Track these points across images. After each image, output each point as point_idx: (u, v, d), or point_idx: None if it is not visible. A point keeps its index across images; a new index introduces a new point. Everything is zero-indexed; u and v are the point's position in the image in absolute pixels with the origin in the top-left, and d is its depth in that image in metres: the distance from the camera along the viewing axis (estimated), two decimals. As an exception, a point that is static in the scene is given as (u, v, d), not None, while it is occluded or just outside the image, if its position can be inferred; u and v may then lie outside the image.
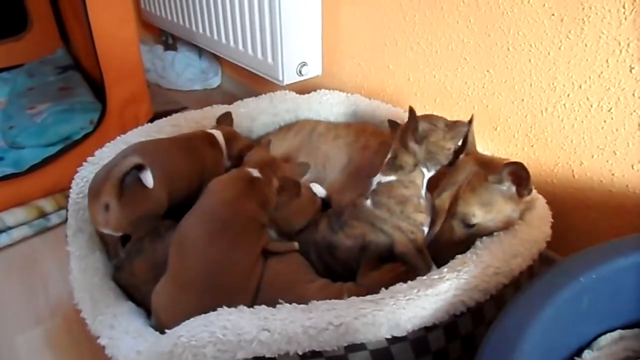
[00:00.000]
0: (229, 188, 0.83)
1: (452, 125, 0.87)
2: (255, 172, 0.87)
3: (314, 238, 0.88)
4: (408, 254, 0.82)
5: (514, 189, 0.80)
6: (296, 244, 0.85)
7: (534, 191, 0.91)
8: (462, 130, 0.86)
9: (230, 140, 1.06)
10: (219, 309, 0.65)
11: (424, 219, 0.84)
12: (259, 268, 0.78)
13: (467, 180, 0.82)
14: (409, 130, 0.85)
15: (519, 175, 0.78)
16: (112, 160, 0.85)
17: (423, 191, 0.86)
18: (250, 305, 0.71)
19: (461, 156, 0.86)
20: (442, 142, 0.85)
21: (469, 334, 0.69)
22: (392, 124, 0.94)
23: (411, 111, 0.84)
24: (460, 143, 0.87)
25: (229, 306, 0.68)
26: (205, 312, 0.67)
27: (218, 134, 1.05)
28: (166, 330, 0.64)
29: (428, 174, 0.86)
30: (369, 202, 0.86)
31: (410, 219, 0.83)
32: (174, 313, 0.72)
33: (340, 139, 1.13)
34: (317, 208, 0.94)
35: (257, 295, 0.76)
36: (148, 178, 0.80)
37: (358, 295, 0.68)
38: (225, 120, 1.14)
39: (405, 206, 0.83)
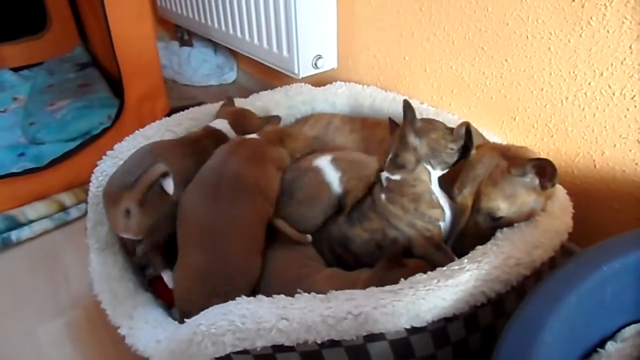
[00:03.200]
0: (218, 153, 0.89)
1: (452, 129, 0.85)
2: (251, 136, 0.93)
3: (329, 231, 0.88)
4: (427, 254, 0.81)
5: (537, 181, 0.79)
6: (309, 237, 0.83)
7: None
8: (462, 132, 0.85)
9: (238, 124, 1.04)
10: (237, 298, 0.65)
11: (439, 214, 0.83)
12: (260, 238, 0.81)
13: (487, 174, 0.80)
14: (407, 124, 0.84)
15: (544, 169, 0.77)
16: (128, 166, 0.86)
17: (434, 187, 0.85)
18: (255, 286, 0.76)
19: (472, 151, 0.85)
20: (443, 141, 0.83)
21: (490, 326, 0.68)
22: (393, 124, 0.94)
23: (407, 105, 0.83)
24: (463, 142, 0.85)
25: (229, 262, 0.75)
26: (209, 265, 0.75)
27: (223, 125, 1.03)
28: (185, 320, 0.64)
29: (435, 172, 0.85)
30: (383, 196, 0.85)
31: (425, 216, 0.82)
32: (185, 273, 0.76)
33: (356, 132, 1.13)
34: (331, 200, 0.91)
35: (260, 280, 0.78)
36: (170, 185, 0.81)
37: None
38: (228, 104, 1.14)
39: (419, 203, 0.82)
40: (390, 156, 0.87)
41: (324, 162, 0.89)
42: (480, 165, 0.82)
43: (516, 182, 0.78)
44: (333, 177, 0.88)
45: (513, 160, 0.80)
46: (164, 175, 0.81)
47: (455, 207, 0.85)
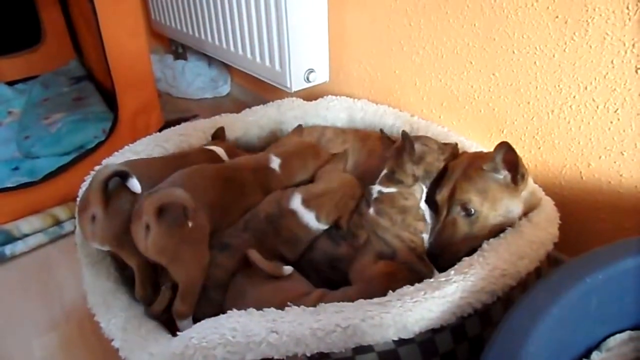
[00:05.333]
0: None
1: (444, 147, 0.93)
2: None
3: (310, 257, 0.88)
4: (409, 263, 0.82)
5: (509, 177, 0.82)
6: (288, 268, 0.81)
7: (542, 192, 0.91)
8: (451, 148, 0.93)
9: (233, 156, 1.05)
10: (228, 311, 0.66)
11: (423, 226, 0.86)
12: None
13: (463, 172, 0.85)
14: (404, 153, 0.88)
15: (511, 160, 0.80)
16: None
17: (422, 203, 0.88)
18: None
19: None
20: (437, 163, 0.90)
21: (477, 336, 0.69)
22: (385, 138, 1.00)
23: (405, 136, 0.87)
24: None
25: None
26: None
27: (219, 150, 1.04)
28: (178, 333, 0.65)
29: (425, 189, 0.89)
30: (372, 210, 0.87)
31: (410, 227, 0.85)
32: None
33: (348, 144, 1.14)
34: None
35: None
36: (134, 184, 0.79)
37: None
38: (219, 135, 1.14)
39: (407, 215, 0.85)
40: (385, 172, 0.90)
41: (296, 204, 0.88)
42: (458, 168, 0.86)
43: (488, 177, 0.82)
44: (308, 217, 0.87)
45: (485, 158, 0.84)
46: (125, 176, 0.79)
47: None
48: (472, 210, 0.82)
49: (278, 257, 0.86)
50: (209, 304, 0.80)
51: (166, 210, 0.75)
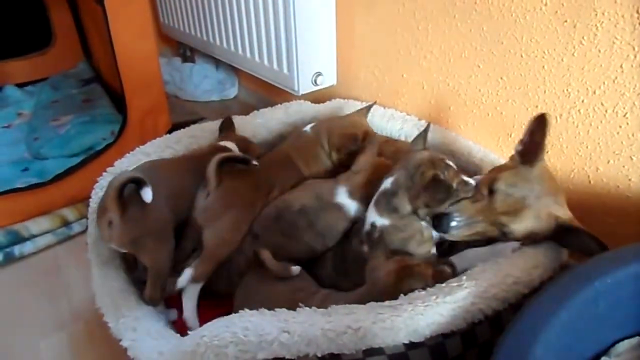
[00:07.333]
0: None
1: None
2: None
3: (317, 273, 0.88)
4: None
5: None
6: (296, 269, 0.82)
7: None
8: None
9: (245, 149, 1.07)
10: (240, 310, 0.66)
11: (428, 249, 0.80)
12: None
13: (526, 198, 0.79)
14: (429, 190, 0.77)
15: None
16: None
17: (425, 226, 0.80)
18: None
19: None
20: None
21: (487, 342, 0.69)
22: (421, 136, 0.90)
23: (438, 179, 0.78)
24: None
25: None
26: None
27: (232, 145, 1.05)
28: (189, 332, 0.66)
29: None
30: (366, 248, 0.82)
31: (414, 254, 0.79)
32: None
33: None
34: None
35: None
36: (147, 193, 0.81)
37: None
38: (227, 127, 1.14)
39: (409, 243, 0.79)
40: (387, 187, 0.81)
41: (343, 197, 0.89)
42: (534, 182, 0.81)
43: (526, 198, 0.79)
44: (354, 208, 0.89)
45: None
46: (139, 183, 0.81)
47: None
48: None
49: (294, 259, 0.86)
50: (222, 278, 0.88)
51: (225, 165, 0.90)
